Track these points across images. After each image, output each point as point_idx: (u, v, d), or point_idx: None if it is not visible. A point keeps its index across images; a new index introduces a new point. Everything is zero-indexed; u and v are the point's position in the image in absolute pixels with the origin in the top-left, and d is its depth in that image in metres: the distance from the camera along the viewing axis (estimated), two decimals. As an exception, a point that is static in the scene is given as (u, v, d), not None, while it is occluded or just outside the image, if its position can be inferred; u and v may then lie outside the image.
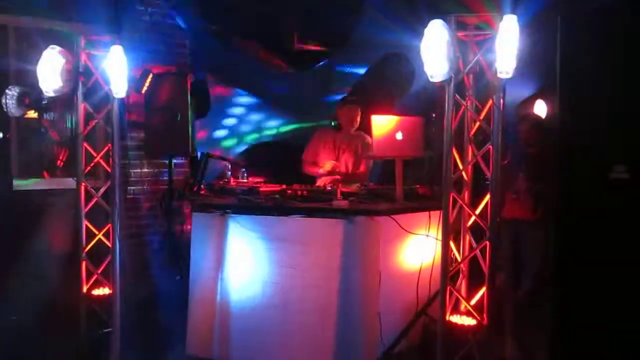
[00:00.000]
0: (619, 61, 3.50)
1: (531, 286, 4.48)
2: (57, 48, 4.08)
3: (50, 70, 4.03)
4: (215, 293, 4.27)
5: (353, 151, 5.17)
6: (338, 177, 5.00)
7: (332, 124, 5.18)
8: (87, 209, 4.33)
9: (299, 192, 4.41)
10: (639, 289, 3.53)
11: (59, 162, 5.78)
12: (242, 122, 6.35)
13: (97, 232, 4.35)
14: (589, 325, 3.66)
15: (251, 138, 6.48)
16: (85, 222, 4.33)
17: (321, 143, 5.24)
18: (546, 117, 5.10)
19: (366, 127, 4.82)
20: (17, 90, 4.75)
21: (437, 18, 3.43)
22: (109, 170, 4.33)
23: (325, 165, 5.05)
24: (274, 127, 6.52)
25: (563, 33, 3.51)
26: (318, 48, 6.03)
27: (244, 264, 4.23)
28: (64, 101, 5.36)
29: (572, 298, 3.74)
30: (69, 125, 5.74)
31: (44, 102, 5.27)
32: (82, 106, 4.29)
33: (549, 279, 4.03)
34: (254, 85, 6.07)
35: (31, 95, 4.93)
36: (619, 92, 3.52)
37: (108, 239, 4.32)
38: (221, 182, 4.83)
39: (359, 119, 5.15)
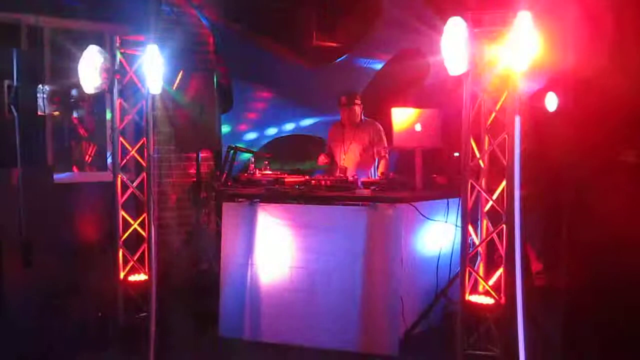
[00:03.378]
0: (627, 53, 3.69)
1: (538, 267, 4.69)
2: (96, 47, 4.32)
3: (90, 69, 4.27)
4: (246, 277, 4.49)
5: (360, 141, 5.38)
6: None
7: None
8: (122, 200, 4.59)
9: (323, 182, 4.63)
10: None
11: (87, 157, 6.06)
12: (264, 116, 6.56)
13: (132, 222, 4.60)
14: (602, 308, 3.86)
15: (272, 132, 6.70)
16: (121, 212, 4.59)
17: (332, 138, 5.47)
18: (557, 109, 5.29)
19: (383, 118, 5.01)
20: (48, 89, 5.03)
21: (455, 15, 3.65)
22: (143, 163, 4.58)
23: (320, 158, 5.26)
24: (294, 120, 6.73)
25: (572, 27, 3.70)
26: (336, 44, 6.24)
27: (272, 250, 4.46)
28: (91, 99, 5.64)
29: (584, 280, 3.94)
30: (97, 121, 6.05)
31: (72, 100, 5.56)
32: (118, 102, 4.52)
33: (553, 260, 4.22)
34: (274, 80, 6.27)
35: (61, 94, 5.21)
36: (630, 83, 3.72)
37: (142, 229, 4.58)
38: (246, 174, 5.05)
39: (358, 115, 5.36)
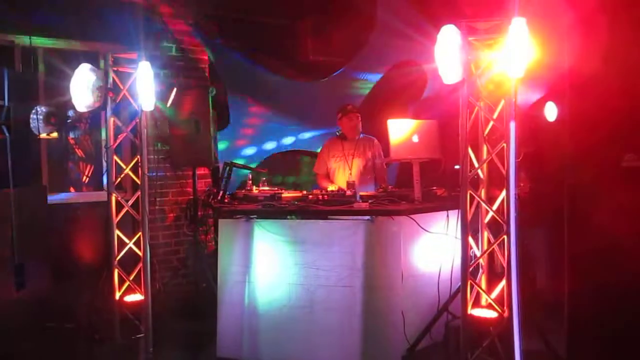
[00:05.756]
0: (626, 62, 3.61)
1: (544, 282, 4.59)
2: (88, 65, 4.29)
3: (82, 87, 4.24)
4: (243, 295, 4.40)
5: (362, 155, 5.29)
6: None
7: (337, 133, 5.33)
8: (117, 219, 4.52)
9: (320, 197, 4.56)
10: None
11: (84, 177, 6.02)
12: (261, 132, 6.51)
13: (127, 241, 4.53)
14: (605, 318, 3.75)
15: (270, 147, 6.65)
16: (116, 232, 4.52)
17: (329, 153, 5.36)
18: (556, 118, 5.23)
19: (380, 131, 4.94)
20: (44, 110, 5.00)
21: (449, 24, 3.60)
22: (137, 181, 4.53)
23: (329, 186, 5.14)
24: (292, 135, 6.69)
25: (571, 35, 3.64)
26: (332, 59, 6.21)
27: (269, 266, 4.37)
28: (87, 119, 5.61)
29: (588, 291, 3.83)
30: (93, 142, 6.02)
31: (68, 121, 5.52)
32: (111, 120, 4.48)
33: (557, 273, 4.13)
34: (271, 95, 6.24)
35: (57, 114, 5.17)
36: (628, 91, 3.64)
37: (138, 248, 4.51)
38: (244, 191, 4.99)
39: (360, 125, 5.28)
